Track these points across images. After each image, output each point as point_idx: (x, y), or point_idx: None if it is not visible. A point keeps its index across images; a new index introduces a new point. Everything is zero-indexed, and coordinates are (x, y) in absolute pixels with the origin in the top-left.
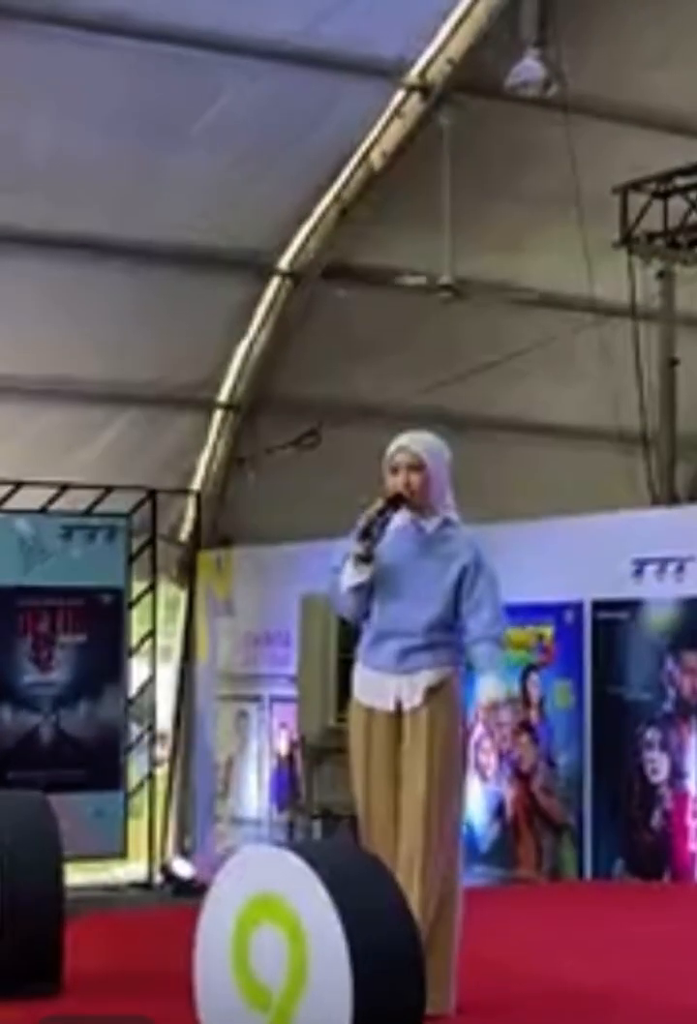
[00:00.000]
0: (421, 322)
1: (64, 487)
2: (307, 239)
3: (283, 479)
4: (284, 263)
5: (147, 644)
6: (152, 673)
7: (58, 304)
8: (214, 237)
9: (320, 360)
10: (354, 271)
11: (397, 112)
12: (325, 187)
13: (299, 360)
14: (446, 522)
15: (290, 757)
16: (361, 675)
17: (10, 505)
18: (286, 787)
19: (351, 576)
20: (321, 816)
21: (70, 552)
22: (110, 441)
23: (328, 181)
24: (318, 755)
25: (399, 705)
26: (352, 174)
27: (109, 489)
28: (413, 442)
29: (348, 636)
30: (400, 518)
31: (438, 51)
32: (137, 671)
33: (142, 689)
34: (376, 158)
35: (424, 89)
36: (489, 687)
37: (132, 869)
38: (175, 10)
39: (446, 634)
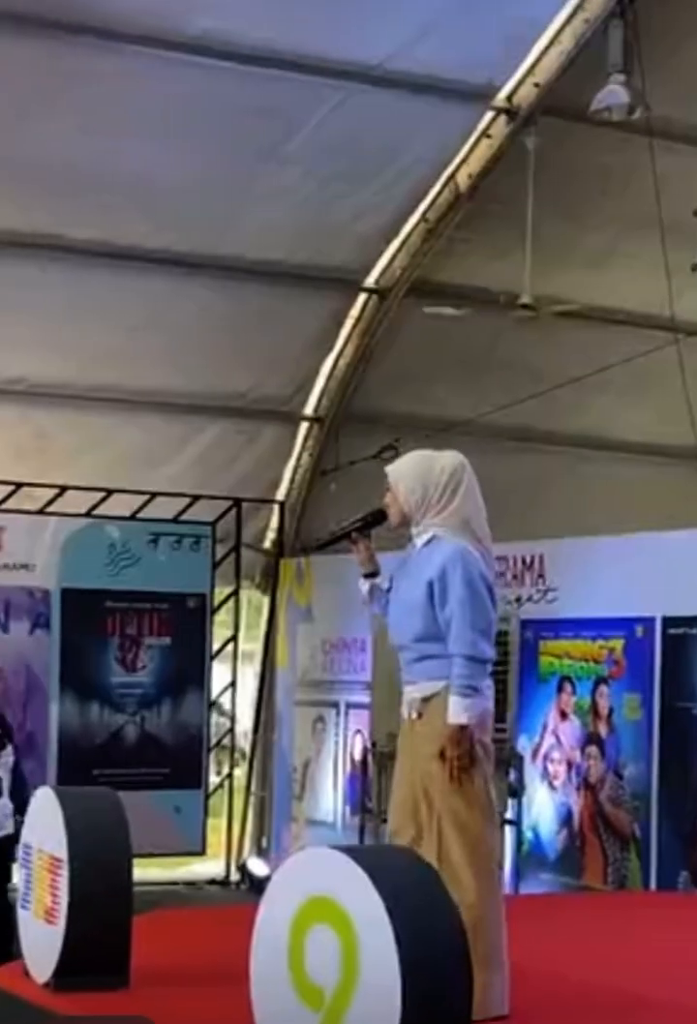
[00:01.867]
0: (502, 339)
1: (153, 495)
2: (393, 257)
3: (363, 491)
4: (370, 280)
5: (229, 648)
6: (233, 677)
7: (151, 318)
8: (303, 254)
9: (403, 375)
10: (438, 289)
11: (484, 133)
12: (412, 206)
13: (382, 375)
14: (433, 538)
15: (364, 762)
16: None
17: (101, 511)
18: (359, 791)
19: (361, 587)
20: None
21: (157, 558)
22: (198, 451)
23: (415, 200)
24: (389, 761)
25: (410, 715)
26: (439, 194)
27: (196, 498)
28: (396, 462)
29: None
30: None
31: (526, 74)
32: (219, 674)
33: (223, 692)
34: (463, 179)
35: (511, 111)
36: (454, 711)
37: (211, 866)
38: (269, 33)
39: (437, 646)
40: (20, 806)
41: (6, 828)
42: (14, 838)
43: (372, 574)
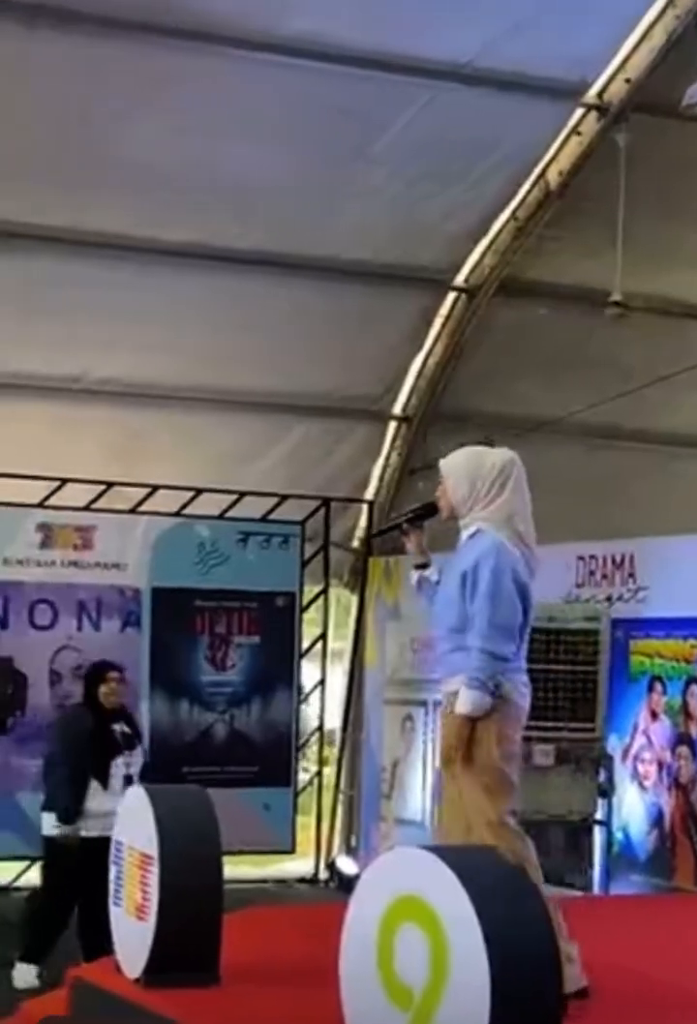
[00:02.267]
0: (592, 337)
1: (242, 494)
2: (483, 256)
3: None
4: (460, 279)
5: (318, 647)
6: (322, 675)
7: (242, 319)
8: (393, 254)
9: (491, 374)
10: (528, 287)
11: (575, 130)
12: (502, 204)
13: (471, 374)
14: (477, 531)
15: None
16: None
17: (191, 510)
18: None
19: (411, 578)
20: None
21: (246, 557)
22: (288, 451)
23: (505, 198)
24: None
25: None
26: (529, 191)
27: (285, 497)
28: (447, 457)
29: None
30: None
31: (617, 71)
32: (308, 673)
33: (312, 690)
34: (553, 176)
35: (602, 108)
36: (459, 700)
37: (300, 865)
38: (359, 33)
39: (464, 642)
40: None
41: None
42: None
43: (423, 565)
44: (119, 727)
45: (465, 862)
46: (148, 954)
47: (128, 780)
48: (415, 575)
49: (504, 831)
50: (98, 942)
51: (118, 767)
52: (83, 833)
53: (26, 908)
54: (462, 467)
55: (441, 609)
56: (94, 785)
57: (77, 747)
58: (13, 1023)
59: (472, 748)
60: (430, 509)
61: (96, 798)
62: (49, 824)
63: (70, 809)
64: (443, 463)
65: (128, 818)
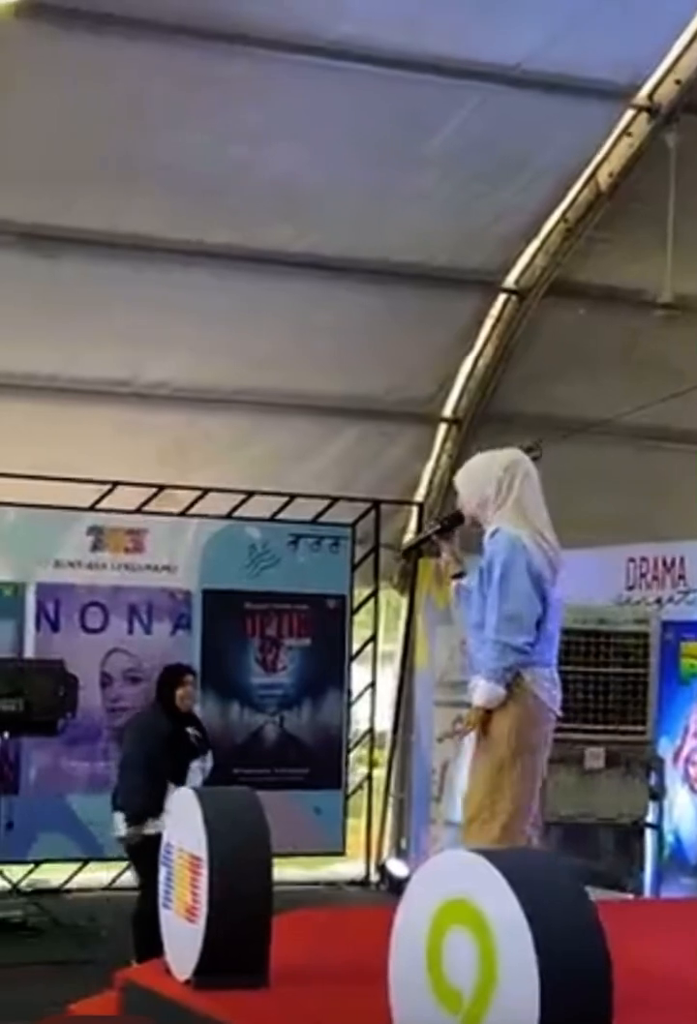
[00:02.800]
0: (642, 339)
1: (292, 497)
2: (533, 257)
3: None
4: (510, 281)
5: (368, 649)
6: (373, 677)
7: (292, 321)
8: (443, 256)
9: (541, 376)
10: (578, 288)
11: (625, 132)
12: (552, 206)
13: (521, 376)
14: (497, 531)
15: None
16: None
17: (242, 513)
18: None
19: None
20: None
21: (297, 559)
22: (338, 453)
23: (555, 200)
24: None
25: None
26: (579, 193)
27: (335, 500)
28: (458, 474)
29: (561, 646)
30: None
31: (667, 72)
32: (358, 675)
33: (363, 693)
34: (603, 177)
35: (652, 109)
36: (477, 693)
37: (351, 867)
38: (407, 36)
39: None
40: None
41: None
42: None
43: (460, 574)
44: (192, 730)
45: (515, 865)
46: (198, 956)
47: (205, 784)
48: (453, 584)
49: (488, 829)
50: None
51: (194, 770)
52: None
53: (135, 909)
54: (473, 478)
55: (467, 609)
56: (171, 788)
57: (153, 750)
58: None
59: (485, 741)
60: (456, 518)
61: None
62: (119, 825)
63: (142, 812)
64: (457, 479)
65: (178, 820)
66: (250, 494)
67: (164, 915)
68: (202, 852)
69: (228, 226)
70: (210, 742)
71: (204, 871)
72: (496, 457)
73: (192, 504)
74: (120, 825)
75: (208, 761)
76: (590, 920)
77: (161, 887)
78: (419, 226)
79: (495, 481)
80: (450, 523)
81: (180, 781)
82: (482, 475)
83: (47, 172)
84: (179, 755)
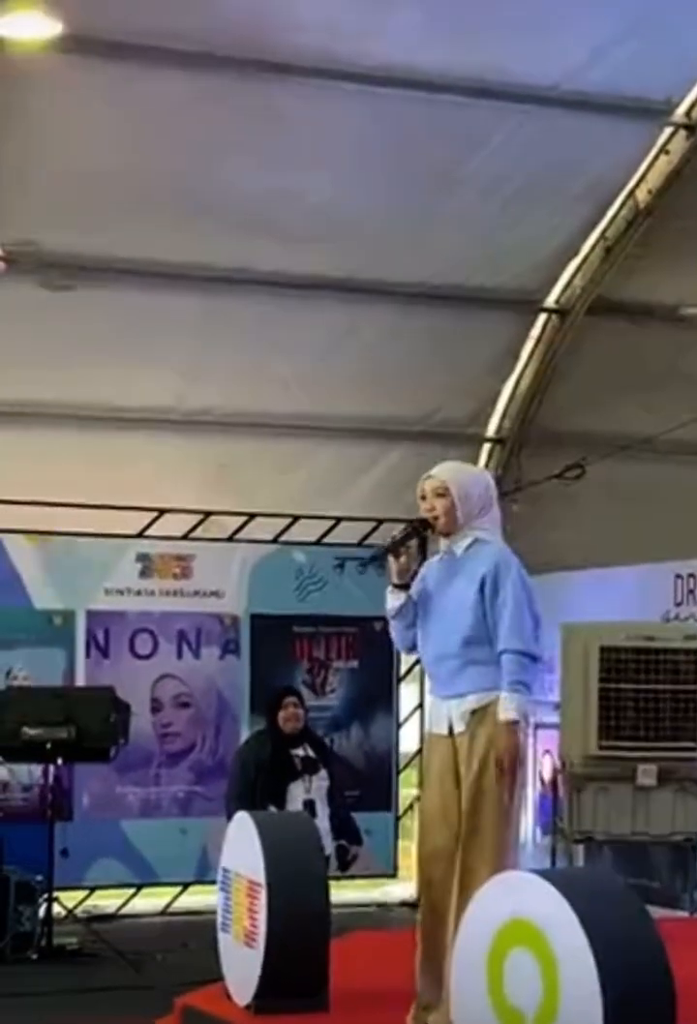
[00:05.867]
0: (685, 355)
1: (338, 520)
2: (573, 276)
3: (548, 510)
4: (551, 300)
5: (417, 670)
6: (421, 698)
7: (334, 346)
8: (483, 276)
9: (584, 395)
10: (619, 306)
11: (663, 149)
12: (592, 225)
13: (564, 395)
14: (476, 541)
15: (553, 783)
16: (427, 701)
17: (288, 537)
18: (549, 812)
19: (389, 602)
20: (583, 842)
21: (343, 582)
22: (382, 475)
23: (595, 219)
24: (580, 781)
25: (452, 729)
26: (618, 211)
27: (380, 522)
28: (440, 470)
29: (609, 665)
30: (441, 548)
31: None
32: (406, 696)
33: (411, 714)
34: (642, 195)
35: (690, 127)
36: (505, 707)
37: (402, 888)
38: (444, 59)
39: (486, 652)
40: (340, 830)
41: None
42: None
43: (405, 586)
44: (300, 752)
45: (575, 884)
46: (257, 981)
47: (309, 805)
48: (401, 597)
49: (497, 859)
50: None
51: (296, 792)
52: None
53: None
54: (466, 475)
55: (447, 623)
56: (271, 810)
57: (248, 774)
58: None
59: (484, 767)
60: (422, 527)
61: None
62: None
63: None
64: (447, 476)
65: (235, 845)
66: (296, 518)
67: (223, 940)
68: (260, 877)
69: (271, 253)
70: (328, 761)
71: (263, 896)
72: (474, 467)
73: (239, 529)
74: None
75: (320, 781)
76: (653, 940)
77: (219, 912)
78: (459, 248)
79: (485, 492)
80: (414, 532)
81: (281, 803)
82: (475, 483)
83: (93, 203)
84: (279, 777)
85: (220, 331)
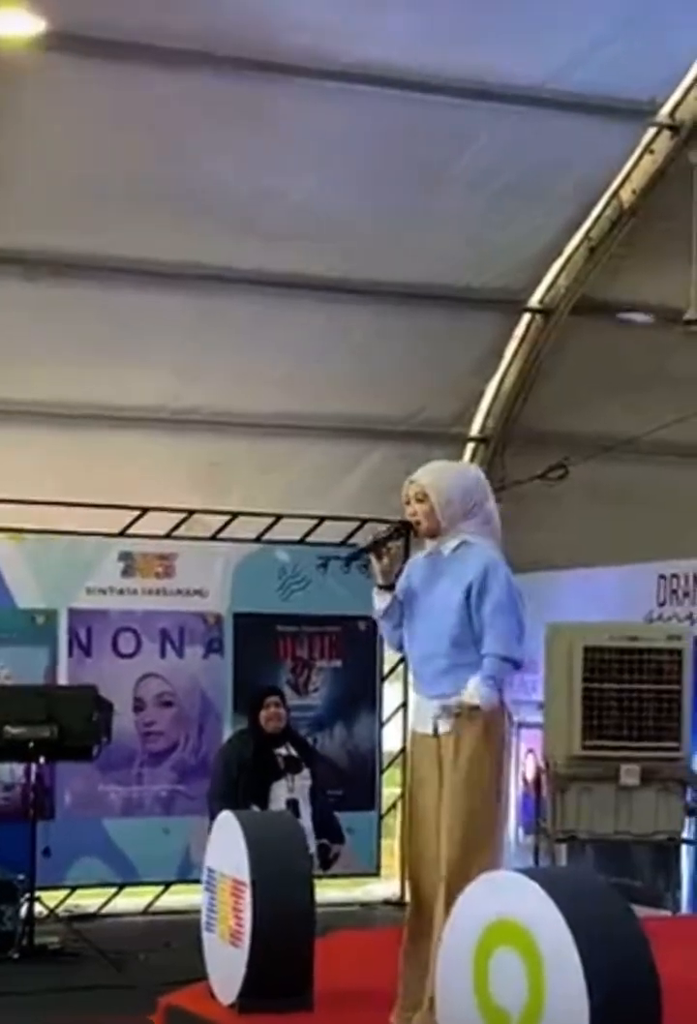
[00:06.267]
0: (670, 356)
1: (321, 519)
2: (557, 276)
3: (531, 510)
4: (535, 300)
5: (400, 669)
6: (405, 698)
7: (318, 344)
8: (468, 276)
9: (568, 395)
10: (603, 306)
11: (647, 150)
12: (576, 225)
13: (548, 395)
14: (463, 543)
15: (537, 782)
16: (411, 700)
17: (271, 536)
18: (532, 812)
19: (375, 602)
20: (566, 841)
21: (326, 581)
22: (366, 474)
23: (579, 219)
24: (564, 781)
25: (436, 729)
26: (602, 211)
27: (364, 521)
28: (421, 474)
29: (592, 665)
30: (426, 548)
31: (688, 89)
32: (390, 695)
33: (395, 713)
34: (626, 195)
35: (674, 127)
36: (471, 691)
37: (385, 887)
38: (427, 58)
39: (471, 655)
40: (322, 829)
41: None
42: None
43: (389, 587)
44: (283, 751)
45: (559, 883)
46: (242, 980)
47: (292, 804)
48: (387, 597)
49: (479, 859)
50: None
51: (279, 791)
52: None
53: None
54: (449, 481)
55: (433, 624)
56: (254, 809)
57: (231, 774)
58: None
59: (464, 768)
60: (403, 529)
61: None
62: None
63: None
64: (427, 480)
65: (219, 845)
66: (279, 517)
67: (207, 939)
68: (245, 876)
69: (254, 251)
70: (311, 760)
71: (248, 895)
72: (467, 468)
73: (222, 528)
74: None
75: (303, 780)
76: (638, 938)
77: (204, 911)
78: (444, 247)
79: (474, 493)
80: (396, 534)
81: (263, 803)
82: (461, 483)
83: (78, 202)
84: (262, 777)
85: (209, 330)
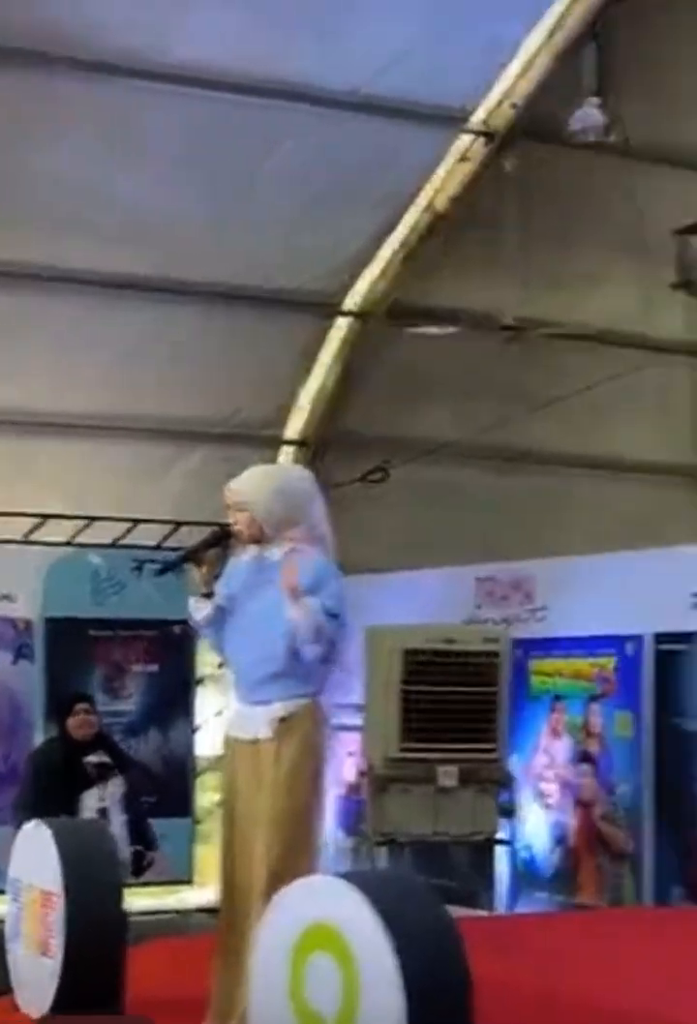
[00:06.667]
0: (486, 361)
1: (136, 522)
2: (374, 281)
3: (352, 513)
4: (350, 304)
5: (216, 674)
6: (223, 704)
7: (133, 346)
8: (283, 279)
9: (387, 398)
10: (419, 311)
11: (462, 156)
12: (391, 229)
13: (366, 398)
14: (293, 551)
15: (357, 785)
16: (231, 707)
17: (84, 539)
18: (352, 814)
19: (196, 612)
20: (385, 843)
21: (141, 585)
22: (181, 477)
23: (394, 224)
24: (382, 783)
25: (257, 736)
26: (418, 217)
27: (179, 525)
28: (240, 482)
29: (411, 668)
30: (249, 553)
31: (502, 97)
32: (212, 700)
33: (211, 718)
34: (441, 201)
35: (488, 134)
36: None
37: (199, 894)
38: (246, 60)
39: (295, 663)
40: (136, 835)
41: None
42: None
43: (209, 594)
44: (95, 758)
45: (376, 885)
46: (55, 992)
47: (103, 813)
48: (209, 605)
49: (298, 866)
50: None
51: (90, 800)
52: None
53: None
54: (269, 488)
55: (257, 632)
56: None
57: (39, 782)
58: None
59: (283, 776)
60: (222, 536)
61: None
62: None
63: None
64: (244, 489)
65: (26, 854)
66: (92, 520)
67: (12, 951)
68: (56, 886)
69: (72, 250)
70: (125, 766)
71: (59, 905)
72: (291, 470)
73: (32, 531)
74: None
75: (114, 788)
76: (453, 940)
77: (8, 923)
78: (259, 249)
79: (298, 497)
80: (215, 541)
81: (73, 813)
82: (282, 488)
83: None
84: (71, 786)
85: (14, 327)
